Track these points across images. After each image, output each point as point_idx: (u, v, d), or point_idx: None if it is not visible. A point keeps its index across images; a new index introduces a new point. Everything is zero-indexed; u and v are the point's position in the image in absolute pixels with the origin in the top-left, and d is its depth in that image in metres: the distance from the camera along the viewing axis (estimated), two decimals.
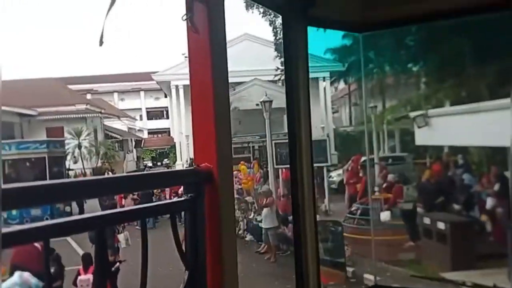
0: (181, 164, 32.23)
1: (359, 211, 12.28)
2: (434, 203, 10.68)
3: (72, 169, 30.52)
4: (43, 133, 34.56)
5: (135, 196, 15.70)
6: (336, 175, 20.00)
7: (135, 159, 47.63)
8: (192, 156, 27.99)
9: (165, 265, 8.13)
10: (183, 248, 1.66)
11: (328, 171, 16.17)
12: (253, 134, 27.17)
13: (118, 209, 1.72)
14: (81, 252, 11.14)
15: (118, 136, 41.32)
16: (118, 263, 8.92)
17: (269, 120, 16.26)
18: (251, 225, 14.59)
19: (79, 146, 33.06)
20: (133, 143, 48.19)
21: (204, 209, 1.69)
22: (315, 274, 2.50)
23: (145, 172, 2.93)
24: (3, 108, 32.15)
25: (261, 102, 16.72)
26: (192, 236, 1.68)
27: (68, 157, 19.76)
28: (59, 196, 1.36)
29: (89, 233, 9.78)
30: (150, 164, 48.41)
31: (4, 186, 1.05)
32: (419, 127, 13.53)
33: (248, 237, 14.58)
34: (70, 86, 43.67)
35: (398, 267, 9.58)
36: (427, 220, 10.10)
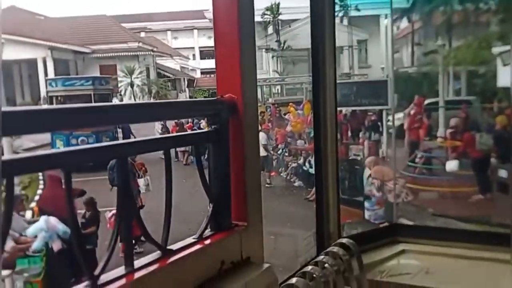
0: None
1: (421, 160, 11.09)
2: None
3: None
4: (97, 70, 34.70)
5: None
6: (396, 119, 18.66)
7: (187, 99, 47.53)
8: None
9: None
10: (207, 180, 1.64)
11: (387, 114, 14.94)
12: (307, 75, 25.90)
13: (141, 138, 1.48)
14: None
15: (170, 75, 41.00)
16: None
17: None
18: (300, 170, 13.78)
19: (131, 84, 33.00)
20: (186, 82, 47.88)
21: (228, 141, 1.67)
22: (335, 214, 2.54)
23: (167, 100, 2.49)
24: (58, 45, 32.34)
25: None
26: (216, 168, 1.66)
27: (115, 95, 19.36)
28: (73, 121, 1.26)
29: (109, 176, 9.17)
30: None
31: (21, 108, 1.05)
32: (504, 64, 11.80)
33: (297, 182, 13.80)
34: (124, 24, 43.29)
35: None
36: (502, 173, 8.90)
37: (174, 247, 1.50)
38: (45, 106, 1.63)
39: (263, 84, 25.79)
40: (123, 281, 1.28)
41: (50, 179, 8.62)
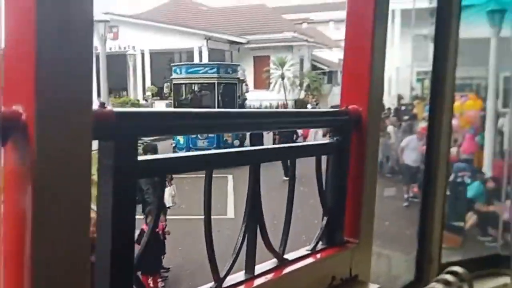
0: (388, 100, 28.73)
1: None
2: None
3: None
4: (251, 61, 34.53)
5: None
6: None
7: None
8: (400, 92, 24.44)
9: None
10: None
11: None
12: (478, 68, 21.96)
13: (267, 147, 1.71)
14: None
15: (325, 67, 39.10)
16: (161, 233, 6.84)
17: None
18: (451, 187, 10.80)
19: (282, 76, 31.99)
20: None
21: (349, 154, 1.65)
22: (438, 237, 2.46)
23: (289, 109, 1.43)
24: (214, 34, 32.77)
25: None
26: (334, 181, 1.66)
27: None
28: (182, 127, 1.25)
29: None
30: None
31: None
32: None
33: None
34: (285, 16, 42.65)
35: None
36: None
37: (289, 257, 1.55)
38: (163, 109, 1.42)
39: (423, 77, 22.74)
40: (243, 287, 1.34)
41: None
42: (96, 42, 14.31)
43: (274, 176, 8.68)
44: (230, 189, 10.86)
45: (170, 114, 1.15)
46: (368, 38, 1.62)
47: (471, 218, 8.58)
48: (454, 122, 14.07)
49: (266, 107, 31.52)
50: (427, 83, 24.92)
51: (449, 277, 2.14)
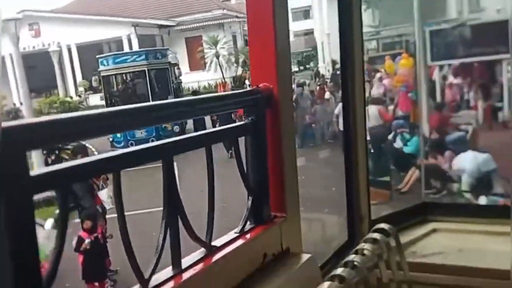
0: (323, 67, 29.08)
1: None
2: None
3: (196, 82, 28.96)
4: (183, 43, 33.85)
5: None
6: None
7: None
8: (334, 57, 24.62)
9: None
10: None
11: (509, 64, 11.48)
12: (406, 25, 22.46)
13: (182, 137, 1.44)
14: None
15: None
16: (101, 237, 6.57)
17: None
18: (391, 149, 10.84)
19: (217, 55, 31.59)
20: None
21: (266, 132, 1.66)
22: (366, 196, 2.51)
23: (198, 96, 2.09)
24: (141, 20, 31.79)
25: None
26: (254, 160, 1.66)
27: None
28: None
29: None
30: (296, 68, 46.10)
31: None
32: None
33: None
34: None
35: None
36: None
37: (217, 243, 1.51)
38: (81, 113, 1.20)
39: None
40: (171, 284, 1.30)
41: None
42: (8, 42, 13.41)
43: (219, 154, 8.48)
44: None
45: (61, 121, 1.07)
46: (268, 15, 1.62)
47: (414, 173, 8.72)
48: (388, 82, 14.29)
49: (205, 88, 31.13)
50: None
51: (376, 235, 2.21)
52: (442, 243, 2.60)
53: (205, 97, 2.14)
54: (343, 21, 2.37)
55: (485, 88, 10.66)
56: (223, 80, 31.30)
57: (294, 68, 45.89)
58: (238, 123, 1.75)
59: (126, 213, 1.27)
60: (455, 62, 11.81)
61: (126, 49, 29.40)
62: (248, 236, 1.63)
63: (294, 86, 17.45)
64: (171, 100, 1.99)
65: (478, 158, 7.53)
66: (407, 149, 9.29)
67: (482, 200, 7.23)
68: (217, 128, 1.90)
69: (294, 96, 15.26)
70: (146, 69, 15.71)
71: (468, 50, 10.64)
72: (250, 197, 1.66)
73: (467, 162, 7.63)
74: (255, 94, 1.66)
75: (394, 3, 23.23)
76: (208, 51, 31.91)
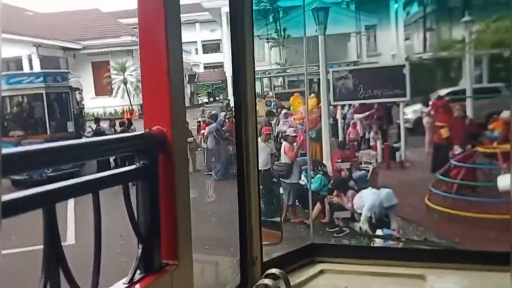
0: (232, 100, 29.46)
1: (460, 172, 8.35)
2: None
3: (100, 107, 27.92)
4: (89, 68, 32.78)
5: None
6: (410, 112, 16.10)
7: (189, 95, 45.36)
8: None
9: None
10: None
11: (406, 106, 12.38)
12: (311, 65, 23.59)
13: (67, 182, 1.31)
14: None
15: None
16: None
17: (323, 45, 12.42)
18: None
19: (125, 81, 30.92)
20: (187, 78, 45.75)
21: (158, 177, 1.62)
22: (258, 237, 2.49)
23: (87, 139, 2.42)
24: (45, 41, 30.33)
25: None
26: (146, 207, 1.61)
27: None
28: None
29: None
30: (205, 100, 46.35)
31: None
32: None
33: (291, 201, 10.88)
34: (122, 20, 41.17)
35: None
36: None
37: None
38: None
39: (262, 76, 23.69)
40: None
41: None
42: None
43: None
44: (71, 213, 9.92)
45: None
46: (163, 56, 1.59)
47: (316, 208, 9.00)
48: (291, 119, 14.74)
49: (110, 114, 30.17)
50: (266, 81, 26.09)
51: (267, 281, 2.28)
52: (330, 283, 2.63)
53: (93, 140, 2.02)
54: (235, 60, 2.37)
55: (383, 129, 11.40)
56: (130, 108, 30.60)
57: (204, 99, 46.25)
58: (129, 167, 1.67)
59: None
60: (355, 103, 12.55)
61: (27, 70, 27.79)
62: (137, 286, 1.57)
63: (206, 118, 17.43)
64: (47, 144, 1.50)
65: (381, 192, 7.92)
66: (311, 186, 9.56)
67: (379, 232, 7.63)
68: (106, 173, 1.79)
69: (214, 125, 15.15)
70: (44, 92, 14.79)
71: (367, 91, 11.24)
72: (140, 245, 1.60)
73: (367, 197, 8.02)
74: (148, 138, 1.62)
75: (301, 44, 24.35)
76: (116, 77, 31.15)
